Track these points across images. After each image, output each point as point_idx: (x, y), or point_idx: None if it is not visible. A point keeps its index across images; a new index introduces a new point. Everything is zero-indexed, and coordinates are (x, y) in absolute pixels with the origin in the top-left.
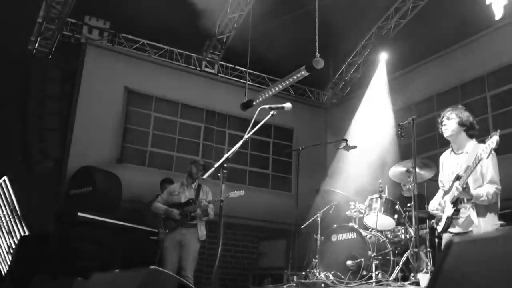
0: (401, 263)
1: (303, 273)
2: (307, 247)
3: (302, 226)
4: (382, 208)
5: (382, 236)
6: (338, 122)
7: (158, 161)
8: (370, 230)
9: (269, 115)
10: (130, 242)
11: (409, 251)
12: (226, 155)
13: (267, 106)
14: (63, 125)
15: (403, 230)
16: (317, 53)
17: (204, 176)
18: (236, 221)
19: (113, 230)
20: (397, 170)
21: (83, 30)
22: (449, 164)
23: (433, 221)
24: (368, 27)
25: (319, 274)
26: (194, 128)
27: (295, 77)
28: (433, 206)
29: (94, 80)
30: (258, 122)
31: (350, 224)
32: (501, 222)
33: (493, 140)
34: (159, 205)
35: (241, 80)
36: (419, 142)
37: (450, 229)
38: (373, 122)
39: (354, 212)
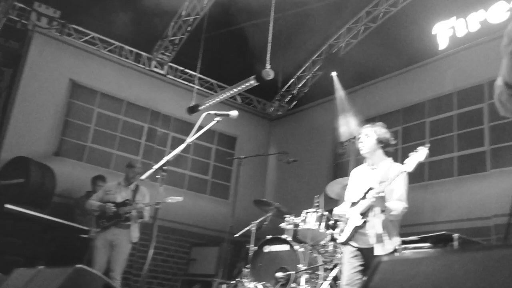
0: (329, 278)
1: (233, 282)
2: (239, 256)
3: (236, 235)
4: (317, 223)
5: (314, 250)
6: (282, 134)
7: (97, 158)
8: (302, 243)
9: (214, 121)
10: (58, 239)
11: (338, 266)
12: (166, 158)
13: (213, 112)
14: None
15: (335, 246)
16: (267, 64)
17: (142, 177)
18: (170, 225)
19: (42, 225)
20: (334, 186)
21: (31, 17)
22: (363, 178)
23: (334, 231)
24: (319, 43)
25: (249, 284)
26: (137, 127)
27: (244, 86)
28: (339, 211)
29: (38, 69)
30: (203, 127)
31: (284, 236)
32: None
33: (422, 153)
34: (94, 202)
35: (189, 84)
36: (359, 160)
37: (352, 242)
38: (315, 137)
39: (288, 224)
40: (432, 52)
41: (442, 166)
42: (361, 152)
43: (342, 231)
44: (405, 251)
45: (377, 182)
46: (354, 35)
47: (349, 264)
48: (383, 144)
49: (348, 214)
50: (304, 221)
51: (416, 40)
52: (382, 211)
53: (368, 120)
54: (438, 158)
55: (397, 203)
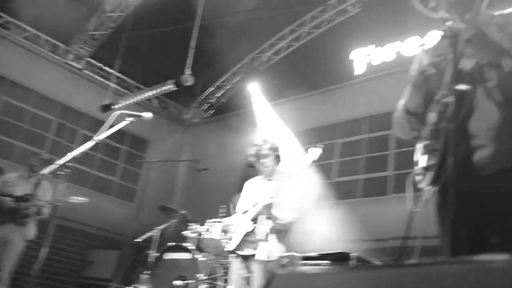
0: None
1: (129, 287)
2: (139, 261)
3: (138, 240)
4: (221, 233)
5: (215, 260)
6: (196, 142)
7: None
8: (205, 253)
9: (126, 122)
10: None
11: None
12: (72, 154)
13: (125, 112)
14: None
15: None
16: (187, 70)
17: (44, 171)
18: (70, 224)
19: None
20: (236, 198)
21: None
22: (257, 188)
23: (223, 239)
24: (242, 56)
25: None
26: (46, 120)
27: (161, 89)
28: (230, 221)
29: None
30: (114, 126)
31: (186, 244)
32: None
33: (315, 152)
34: None
35: (106, 82)
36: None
37: (240, 251)
38: (228, 148)
39: (192, 233)
40: (348, 76)
41: (348, 187)
42: (263, 169)
43: (231, 239)
44: (303, 267)
45: (271, 191)
46: (277, 51)
47: (237, 274)
48: (279, 157)
49: (238, 222)
50: (208, 230)
51: (334, 63)
52: (269, 218)
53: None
54: (345, 179)
55: (287, 212)
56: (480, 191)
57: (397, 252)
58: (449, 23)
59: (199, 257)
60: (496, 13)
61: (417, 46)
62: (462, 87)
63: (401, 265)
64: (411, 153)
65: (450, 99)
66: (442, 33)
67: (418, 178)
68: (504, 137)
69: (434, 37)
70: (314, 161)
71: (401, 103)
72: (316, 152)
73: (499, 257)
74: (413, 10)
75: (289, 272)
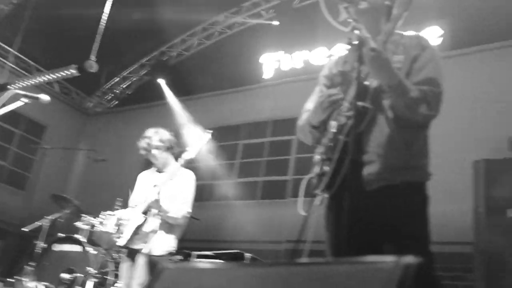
0: (117, 285)
1: (11, 280)
2: (25, 252)
3: (25, 229)
4: (115, 227)
5: (108, 254)
6: (97, 132)
7: None
8: (97, 246)
9: (21, 103)
10: None
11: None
12: None
13: (21, 92)
14: None
15: None
16: (92, 56)
17: None
18: None
19: None
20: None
21: None
22: (150, 181)
23: (114, 234)
24: (151, 48)
25: (29, 283)
26: None
27: (63, 73)
28: (123, 215)
29: None
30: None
31: (77, 236)
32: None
33: (204, 137)
34: None
35: (3, 60)
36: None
37: (131, 245)
38: (130, 141)
39: (85, 224)
40: (256, 79)
41: (248, 188)
42: (154, 162)
43: (122, 233)
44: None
45: (161, 184)
46: (188, 47)
47: (126, 269)
48: (171, 149)
49: (130, 215)
50: (102, 223)
51: (244, 64)
52: (159, 213)
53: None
54: (245, 180)
55: (178, 207)
56: (364, 205)
57: (290, 254)
58: (356, 32)
59: (90, 250)
60: (405, 33)
61: (325, 56)
62: (363, 104)
63: (291, 264)
64: (311, 159)
65: (351, 113)
66: (350, 42)
67: (312, 183)
68: (390, 154)
69: (341, 49)
70: (203, 145)
71: (305, 114)
72: (205, 137)
73: (387, 258)
74: (323, 21)
75: (178, 267)
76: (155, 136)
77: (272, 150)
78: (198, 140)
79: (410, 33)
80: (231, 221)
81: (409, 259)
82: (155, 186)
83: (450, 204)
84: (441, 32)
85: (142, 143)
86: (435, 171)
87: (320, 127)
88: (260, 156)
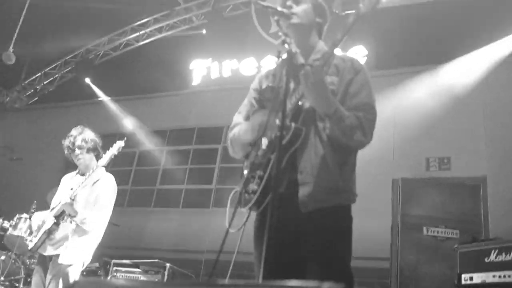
0: None
1: None
2: None
3: None
4: (28, 230)
5: (18, 259)
6: (14, 129)
7: None
8: (7, 251)
9: None
10: None
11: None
12: None
13: None
14: None
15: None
16: (11, 47)
17: None
18: None
19: None
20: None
21: None
22: (70, 184)
23: (25, 237)
24: (77, 45)
25: None
26: None
27: None
28: (37, 217)
29: None
30: None
31: None
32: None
33: (116, 146)
34: None
35: None
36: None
37: (41, 250)
38: (50, 140)
39: None
40: (185, 85)
41: (170, 196)
42: (76, 163)
43: (35, 237)
44: (116, 274)
45: (81, 187)
46: (115, 47)
47: (37, 276)
48: (95, 150)
49: (44, 219)
50: (14, 226)
51: (173, 69)
52: (73, 217)
53: (108, 136)
54: (168, 187)
55: (95, 213)
56: (296, 225)
57: (211, 265)
58: (286, 46)
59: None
60: (337, 54)
61: (254, 67)
62: (295, 125)
63: (211, 285)
64: (234, 169)
65: (282, 133)
66: (279, 55)
67: (240, 199)
68: (324, 177)
69: (270, 62)
70: (114, 154)
71: (236, 128)
72: (118, 145)
73: (310, 284)
74: (253, 32)
75: (90, 281)
76: (79, 135)
77: (197, 158)
78: (111, 148)
79: (342, 54)
80: (152, 228)
81: (331, 285)
82: (71, 189)
83: (371, 220)
84: (366, 52)
85: (66, 142)
86: (357, 188)
87: (252, 144)
88: (185, 163)
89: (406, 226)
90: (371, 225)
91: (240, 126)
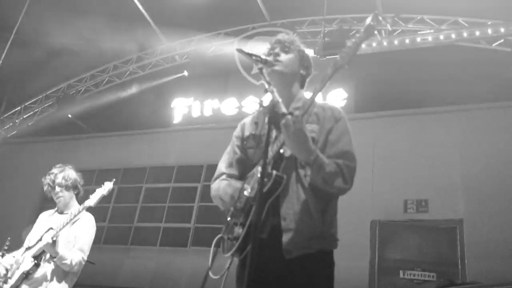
0: None
1: None
2: None
3: None
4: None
5: None
6: None
7: None
8: None
9: None
10: None
11: None
12: None
13: None
14: None
15: None
16: None
17: None
18: None
19: None
20: (27, 231)
21: None
22: (48, 222)
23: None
24: (58, 80)
25: None
26: None
27: None
28: (7, 262)
29: None
30: None
31: None
32: None
33: (106, 187)
34: None
35: None
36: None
37: None
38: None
39: None
40: (166, 123)
41: (147, 234)
42: (56, 201)
43: (10, 278)
44: None
45: (58, 227)
46: (97, 83)
47: None
48: (76, 189)
49: (21, 258)
50: None
51: (154, 107)
52: (53, 258)
53: (87, 172)
54: (146, 225)
55: (75, 253)
56: (280, 271)
57: None
58: (268, 95)
59: None
60: (319, 102)
61: (234, 107)
62: (276, 173)
63: None
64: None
65: (264, 180)
66: (261, 103)
67: (223, 245)
68: (307, 223)
69: (250, 102)
70: (103, 195)
71: (219, 181)
72: (107, 186)
73: None
74: (235, 73)
75: None
76: (60, 173)
77: (176, 196)
78: (100, 189)
79: (322, 102)
80: (129, 266)
81: None
82: (51, 229)
83: (349, 262)
84: (345, 95)
85: (47, 179)
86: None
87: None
88: (164, 201)
89: (383, 269)
90: (350, 266)
91: (220, 184)
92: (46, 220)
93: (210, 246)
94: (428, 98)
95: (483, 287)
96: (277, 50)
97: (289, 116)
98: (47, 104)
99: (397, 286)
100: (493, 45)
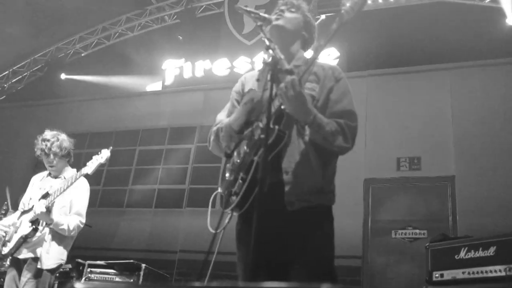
0: None
1: None
2: None
3: None
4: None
5: None
6: None
7: None
8: None
9: None
10: None
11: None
12: None
13: None
14: None
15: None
16: None
17: None
18: None
19: None
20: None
21: None
22: (41, 185)
23: None
24: (46, 43)
25: None
26: None
27: None
28: (7, 221)
29: None
30: None
31: None
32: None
33: (104, 155)
34: None
35: None
36: None
37: (16, 254)
38: (19, 141)
39: None
40: (157, 85)
41: (142, 196)
42: (49, 168)
43: (8, 241)
44: (90, 275)
45: (56, 190)
46: (85, 46)
47: (11, 280)
48: (69, 157)
49: (18, 222)
50: None
51: (144, 70)
52: (49, 225)
53: (78, 135)
54: (140, 187)
55: (72, 218)
56: (284, 224)
57: (185, 265)
58: (270, 52)
59: None
60: (319, 62)
61: (226, 67)
62: (278, 128)
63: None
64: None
65: (264, 135)
66: (264, 60)
67: (222, 200)
68: (308, 176)
69: (242, 62)
70: (101, 163)
71: (223, 120)
72: (105, 154)
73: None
74: (225, 33)
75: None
76: (56, 142)
77: (170, 158)
78: (97, 157)
79: (322, 62)
80: (124, 229)
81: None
82: (47, 194)
83: (343, 219)
84: (338, 54)
85: (41, 145)
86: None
87: (239, 133)
88: (158, 163)
89: (375, 230)
90: (343, 224)
91: (226, 119)
92: (39, 183)
93: (205, 207)
94: (420, 56)
95: (475, 240)
96: (282, 8)
97: (294, 77)
98: (35, 68)
99: (389, 246)
100: (486, 1)
